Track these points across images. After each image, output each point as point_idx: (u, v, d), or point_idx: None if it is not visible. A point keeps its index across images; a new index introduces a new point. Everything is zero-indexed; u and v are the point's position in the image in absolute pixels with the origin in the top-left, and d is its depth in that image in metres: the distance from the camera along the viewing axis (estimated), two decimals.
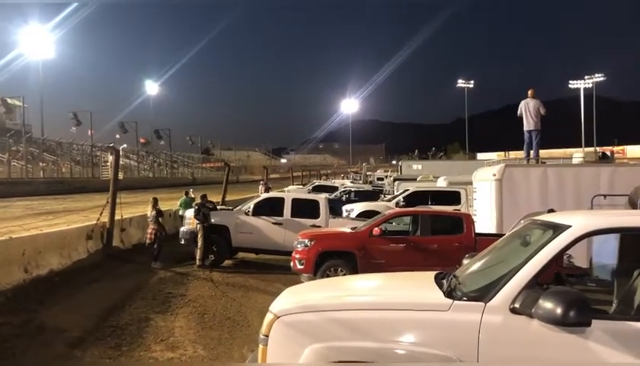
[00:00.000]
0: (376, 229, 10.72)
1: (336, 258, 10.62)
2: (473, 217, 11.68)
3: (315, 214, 13.93)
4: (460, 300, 3.34)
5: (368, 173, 54.96)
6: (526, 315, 3.08)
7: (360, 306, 3.60)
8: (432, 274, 4.08)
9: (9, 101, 53.64)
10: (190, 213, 14.72)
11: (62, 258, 11.61)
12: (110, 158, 15.73)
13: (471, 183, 15.01)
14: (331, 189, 31.14)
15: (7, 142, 48.60)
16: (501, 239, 4.46)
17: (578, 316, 2.88)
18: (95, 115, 61.63)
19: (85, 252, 12.69)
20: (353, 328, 3.38)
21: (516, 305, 3.15)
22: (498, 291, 3.23)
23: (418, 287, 3.96)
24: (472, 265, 4.11)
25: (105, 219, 13.89)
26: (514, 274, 3.26)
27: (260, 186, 33.27)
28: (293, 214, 13.92)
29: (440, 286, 3.66)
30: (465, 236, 10.55)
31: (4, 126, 57.10)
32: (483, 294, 3.29)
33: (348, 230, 11.38)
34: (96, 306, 9.11)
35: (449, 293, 3.44)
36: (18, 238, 10.85)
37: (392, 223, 11.54)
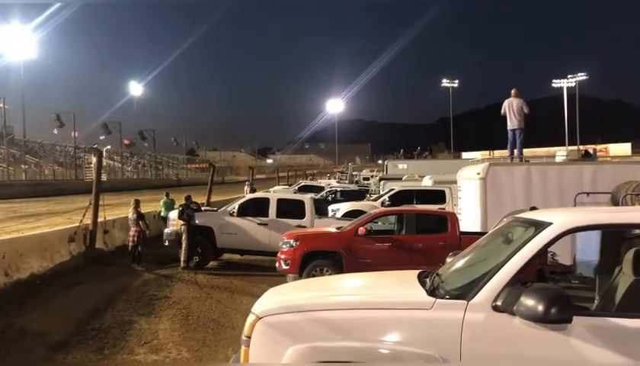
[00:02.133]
0: (362, 228, 10.72)
1: (321, 258, 10.60)
2: (458, 216, 11.72)
3: (301, 214, 13.89)
4: (443, 298, 3.33)
5: (354, 173, 55.02)
6: (508, 312, 3.08)
7: (343, 305, 3.57)
8: (415, 272, 4.07)
9: None
10: (174, 214, 14.61)
11: (44, 260, 11.45)
12: (94, 159, 15.55)
13: (455, 182, 15.08)
14: (317, 189, 31.12)
15: None
16: (484, 237, 4.46)
17: (559, 312, 2.88)
18: (78, 116, 61.12)
19: (68, 254, 12.53)
20: (336, 328, 3.35)
21: (499, 303, 3.14)
22: (480, 289, 3.22)
23: (401, 285, 3.95)
24: (454, 263, 4.11)
25: (88, 221, 13.74)
26: (496, 272, 3.25)
27: (246, 187, 33.16)
28: (279, 215, 13.88)
29: (423, 284, 3.65)
30: (449, 235, 10.58)
31: None
32: (465, 292, 3.28)
33: (334, 230, 11.37)
34: (78, 309, 8.99)
35: (432, 292, 3.43)
36: None
37: (377, 223, 11.56)
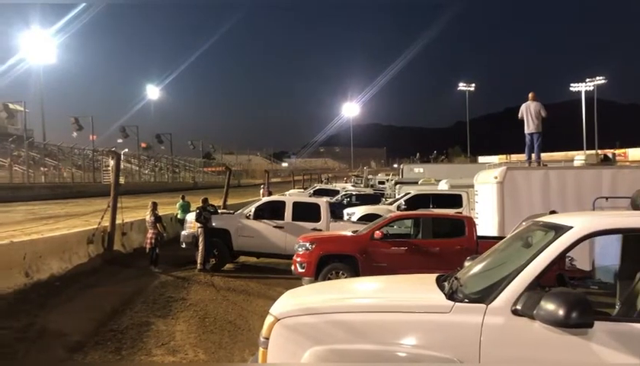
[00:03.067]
0: (378, 232, 10.69)
1: (337, 262, 10.58)
2: (475, 220, 11.65)
3: (316, 218, 13.90)
4: (462, 301, 3.31)
5: (369, 177, 54.95)
6: (528, 316, 3.06)
7: (361, 308, 3.57)
8: (433, 276, 4.05)
9: (11, 105, 53.91)
10: (191, 217, 14.71)
11: (63, 262, 11.61)
12: (111, 162, 15.71)
13: (472, 186, 15.00)
14: (332, 193, 31.13)
15: (8, 147, 48.69)
16: (503, 241, 4.44)
17: (580, 317, 2.85)
18: (97, 120, 61.90)
19: (86, 256, 12.68)
20: (354, 330, 3.35)
21: (518, 306, 3.12)
22: (500, 293, 3.20)
23: (420, 289, 3.94)
24: (473, 267, 4.08)
25: (106, 223, 13.88)
26: (516, 276, 3.23)
27: (261, 190, 33.27)
28: (294, 218, 13.91)
29: (442, 288, 3.63)
30: (466, 239, 10.52)
31: (6, 131, 57.27)
32: (485, 296, 3.26)
33: (349, 233, 11.35)
34: (96, 311, 9.09)
35: (451, 295, 3.42)
36: (19, 242, 10.84)
37: (393, 226, 11.53)
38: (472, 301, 3.29)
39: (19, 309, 8.77)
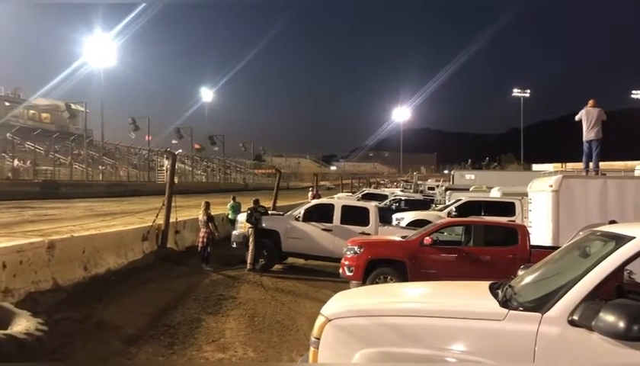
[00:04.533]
0: (427, 238, 10.57)
1: (385, 267, 10.53)
2: (528, 229, 11.38)
3: (365, 222, 13.88)
4: (516, 309, 3.26)
5: (419, 182, 54.40)
6: (586, 328, 2.98)
7: (413, 312, 3.57)
8: (486, 283, 4.00)
9: (73, 106, 56.27)
10: (242, 217, 14.95)
11: (119, 257, 12.01)
12: (166, 162, 16.18)
13: (526, 194, 14.65)
14: (381, 197, 30.99)
15: (70, 145, 50.82)
16: (559, 250, 4.34)
17: None
18: (153, 121, 63.54)
19: (141, 252, 13.08)
20: (405, 334, 3.36)
21: (575, 317, 3.05)
22: (556, 302, 3.14)
23: (472, 295, 3.90)
24: (528, 276, 4.01)
25: (160, 221, 14.28)
26: (573, 285, 3.16)
27: (310, 193, 33.45)
28: (343, 221, 13.92)
29: (495, 295, 3.59)
30: (519, 248, 10.28)
31: (68, 131, 59.92)
32: (540, 305, 3.20)
33: (398, 238, 11.29)
34: (150, 306, 9.37)
35: (505, 303, 3.37)
36: (79, 236, 11.27)
37: (443, 233, 11.38)
38: (526, 309, 3.24)
39: (78, 302, 9.12)
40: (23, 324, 5.10)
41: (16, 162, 43.48)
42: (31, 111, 66.67)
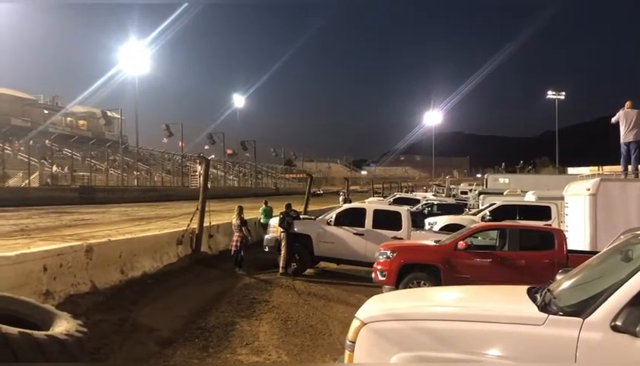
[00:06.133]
0: (462, 242, 10.43)
1: (419, 271, 10.43)
2: (565, 233, 11.14)
3: (397, 226, 13.78)
4: (556, 314, 3.20)
5: (451, 186, 53.79)
6: (630, 333, 2.91)
7: (449, 316, 3.54)
8: (523, 287, 3.94)
9: (109, 113, 57.54)
10: (274, 221, 15.03)
11: (155, 261, 12.20)
12: (199, 167, 16.41)
13: (562, 198, 14.35)
14: (413, 202, 30.68)
15: (105, 151, 51.98)
16: (599, 254, 4.25)
17: None
18: (186, 127, 64.60)
19: (175, 256, 13.26)
20: (442, 338, 3.33)
21: (618, 322, 2.97)
22: (598, 307, 3.07)
23: (510, 299, 3.84)
24: (567, 280, 3.93)
25: (194, 225, 14.46)
26: (616, 290, 3.08)
27: (341, 197, 33.40)
28: (375, 225, 13.84)
29: (534, 300, 3.53)
30: (556, 253, 10.07)
31: (104, 137, 61.34)
32: (581, 309, 3.14)
33: (432, 243, 11.18)
34: (185, 308, 9.49)
35: (544, 307, 3.32)
36: (115, 241, 11.50)
37: (477, 238, 11.23)
38: (566, 314, 3.18)
39: (115, 304, 9.30)
40: (64, 325, 5.23)
41: (55, 168, 44.62)
42: (69, 119, 68.40)
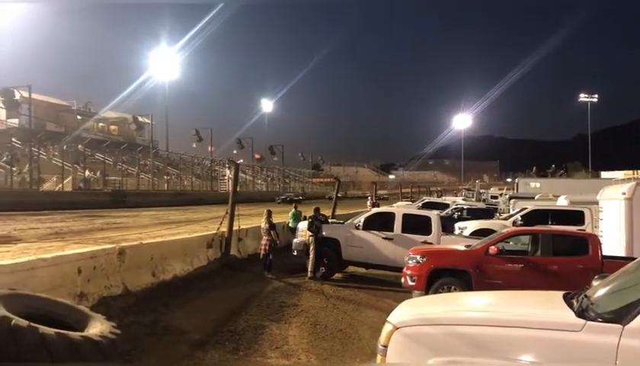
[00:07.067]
0: (493, 247, 10.30)
1: (449, 276, 10.33)
2: (599, 238, 10.90)
3: (427, 230, 13.65)
4: (594, 320, 3.13)
5: (481, 191, 53.15)
6: None
7: (483, 321, 3.49)
8: (559, 293, 3.87)
9: (140, 118, 58.52)
10: (302, 226, 15.06)
11: (185, 264, 12.34)
12: (228, 172, 16.55)
13: (595, 202, 14.06)
14: (442, 206, 30.39)
15: (136, 156, 52.86)
16: (637, 259, 4.14)
17: None
18: (215, 131, 65.33)
19: (205, 259, 13.39)
20: (476, 343, 3.28)
21: None
22: (639, 314, 2.99)
23: (545, 305, 3.77)
24: (604, 286, 3.84)
25: (224, 229, 14.58)
26: None
27: (369, 201, 33.31)
28: (404, 230, 13.74)
29: (570, 305, 3.46)
30: (590, 258, 9.86)
31: (135, 142, 62.33)
32: (620, 316, 3.06)
33: (462, 248, 11.06)
34: (215, 312, 9.58)
35: (581, 313, 3.25)
36: (147, 244, 11.66)
37: (509, 242, 11.06)
38: (605, 321, 3.10)
39: (146, 306, 9.41)
40: (98, 327, 5.34)
41: (87, 172, 45.54)
42: (101, 124, 69.68)
